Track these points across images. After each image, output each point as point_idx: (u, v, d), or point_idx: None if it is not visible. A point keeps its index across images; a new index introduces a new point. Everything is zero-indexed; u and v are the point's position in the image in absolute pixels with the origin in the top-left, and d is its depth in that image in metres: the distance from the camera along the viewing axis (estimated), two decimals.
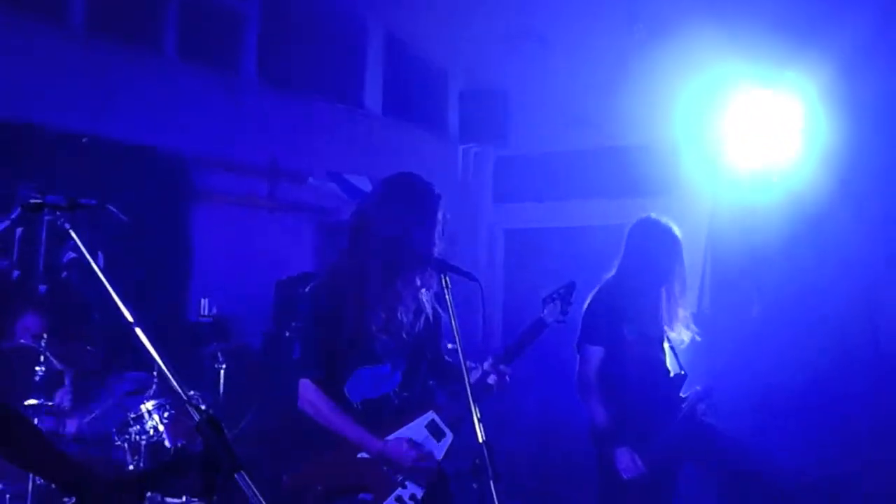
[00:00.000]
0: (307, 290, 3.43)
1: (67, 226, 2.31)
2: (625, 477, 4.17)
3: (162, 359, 2.08)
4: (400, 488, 3.34)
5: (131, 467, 4.64)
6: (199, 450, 1.97)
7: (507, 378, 3.44)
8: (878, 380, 5.85)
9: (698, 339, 4.38)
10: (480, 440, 2.79)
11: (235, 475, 1.93)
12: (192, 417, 2.00)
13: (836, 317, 6.18)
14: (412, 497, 3.35)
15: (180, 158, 6.90)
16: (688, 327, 4.38)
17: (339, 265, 3.43)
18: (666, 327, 4.34)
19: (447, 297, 3.01)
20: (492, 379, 3.42)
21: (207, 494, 1.92)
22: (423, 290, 3.42)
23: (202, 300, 6.82)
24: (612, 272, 4.40)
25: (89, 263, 2.22)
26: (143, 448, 4.75)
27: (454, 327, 2.95)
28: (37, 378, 4.64)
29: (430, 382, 3.57)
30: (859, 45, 5.88)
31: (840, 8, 5.84)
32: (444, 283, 3.04)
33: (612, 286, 4.36)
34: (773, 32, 6.09)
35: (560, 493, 6.14)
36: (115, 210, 2.41)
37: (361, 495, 3.31)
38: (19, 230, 5.40)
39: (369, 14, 8.51)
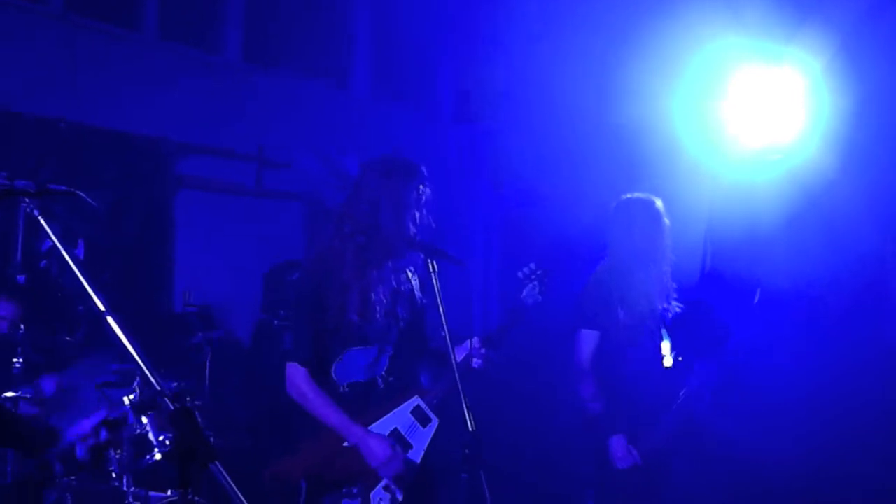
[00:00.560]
0: (294, 278, 3.46)
1: (37, 213, 2.22)
2: (619, 467, 4.12)
3: (137, 349, 2.02)
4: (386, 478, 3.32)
5: (115, 459, 4.50)
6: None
7: (492, 362, 3.41)
8: (884, 370, 5.73)
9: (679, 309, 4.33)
10: (470, 429, 2.79)
11: (210, 465, 1.91)
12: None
13: (838, 296, 6.09)
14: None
15: (162, 142, 6.69)
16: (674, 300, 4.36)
17: (321, 251, 3.44)
18: (658, 305, 4.30)
19: (434, 281, 2.98)
20: (476, 363, 3.38)
21: (183, 486, 1.91)
22: (409, 273, 3.42)
23: (184, 291, 6.69)
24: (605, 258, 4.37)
25: (65, 251, 2.16)
26: (125, 441, 4.57)
27: (441, 312, 2.92)
28: (14, 371, 4.58)
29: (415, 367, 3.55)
30: (862, 21, 5.80)
31: None
32: (430, 267, 3.02)
33: (605, 270, 4.34)
34: (775, 8, 6.01)
35: (552, 483, 6.01)
36: (84, 196, 2.28)
37: (346, 489, 3.25)
38: None
39: None
